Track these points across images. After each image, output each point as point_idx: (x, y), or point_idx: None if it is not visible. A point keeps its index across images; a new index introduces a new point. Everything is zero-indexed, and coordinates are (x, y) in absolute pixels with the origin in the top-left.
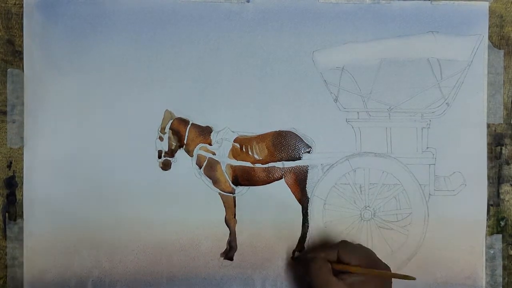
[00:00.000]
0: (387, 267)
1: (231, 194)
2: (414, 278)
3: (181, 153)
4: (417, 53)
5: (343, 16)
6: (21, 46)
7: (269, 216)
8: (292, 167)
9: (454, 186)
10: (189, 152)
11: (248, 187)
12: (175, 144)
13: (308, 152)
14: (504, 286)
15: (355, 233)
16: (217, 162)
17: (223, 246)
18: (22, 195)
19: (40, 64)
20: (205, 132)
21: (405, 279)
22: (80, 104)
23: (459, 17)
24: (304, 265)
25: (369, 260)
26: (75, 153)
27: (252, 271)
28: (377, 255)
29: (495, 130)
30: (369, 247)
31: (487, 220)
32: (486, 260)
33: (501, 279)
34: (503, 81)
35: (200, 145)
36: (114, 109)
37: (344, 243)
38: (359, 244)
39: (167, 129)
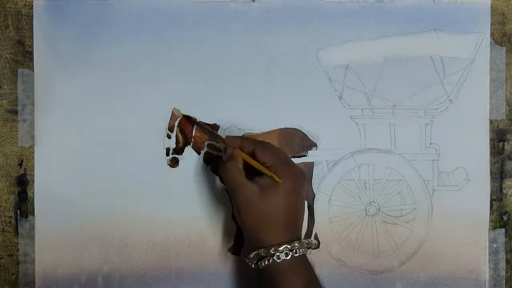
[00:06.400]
0: (299, 168)
1: None
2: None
3: (188, 151)
4: (420, 51)
5: (347, 15)
6: (31, 46)
7: None
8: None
9: (458, 182)
10: (197, 150)
11: None
12: (182, 141)
13: (313, 149)
14: (507, 279)
15: (360, 228)
16: None
17: (231, 241)
18: (33, 193)
19: (50, 64)
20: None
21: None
22: (89, 103)
23: (461, 15)
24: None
25: (282, 161)
26: (85, 151)
27: None
28: (383, 251)
29: (497, 126)
30: (374, 242)
31: (490, 214)
32: (489, 254)
33: (504, 272)
34: (505, 77)
35: (207, 142)
36: (123, 108)
37: (262, 142)
38: (276, 147)
39: (174, 127)
